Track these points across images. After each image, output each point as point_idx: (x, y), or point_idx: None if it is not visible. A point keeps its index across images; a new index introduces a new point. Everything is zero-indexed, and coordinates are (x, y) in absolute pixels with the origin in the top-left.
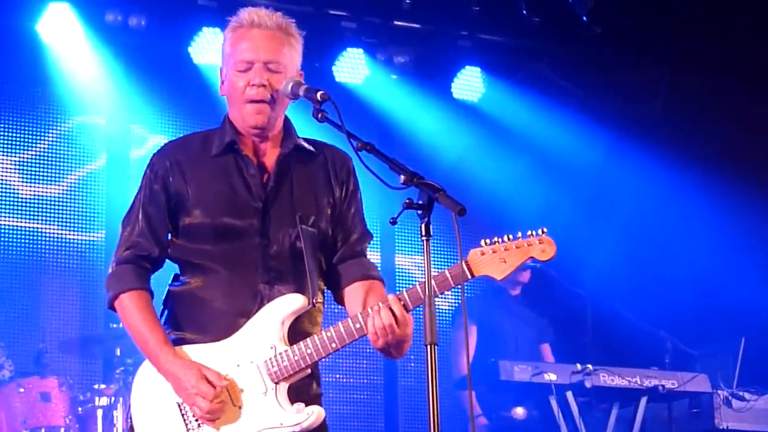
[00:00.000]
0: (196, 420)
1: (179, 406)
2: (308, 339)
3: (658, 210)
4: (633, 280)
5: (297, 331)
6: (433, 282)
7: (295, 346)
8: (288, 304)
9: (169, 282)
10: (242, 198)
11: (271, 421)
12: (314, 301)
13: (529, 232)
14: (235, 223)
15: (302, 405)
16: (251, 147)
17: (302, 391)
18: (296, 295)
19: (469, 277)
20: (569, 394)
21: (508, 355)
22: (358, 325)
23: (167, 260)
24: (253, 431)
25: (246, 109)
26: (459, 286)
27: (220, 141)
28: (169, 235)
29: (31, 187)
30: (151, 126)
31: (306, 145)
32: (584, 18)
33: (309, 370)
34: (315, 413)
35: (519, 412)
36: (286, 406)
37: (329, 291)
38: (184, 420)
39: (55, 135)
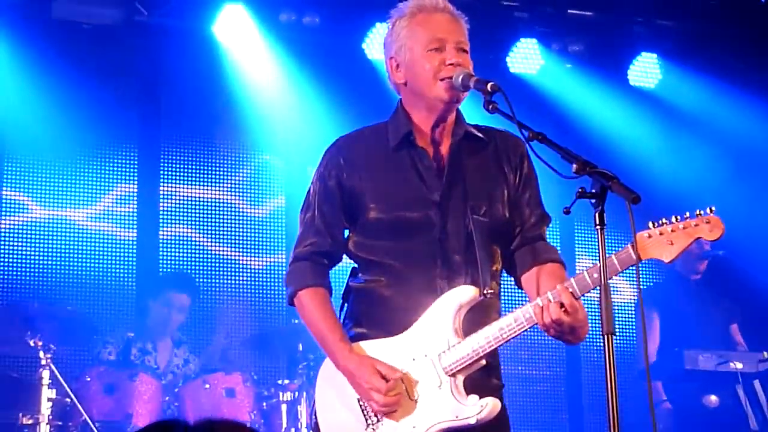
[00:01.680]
0: (375, 415)
1: (359, 401)
2: (480, 331)
3: None
4: None
5: (472, 322)
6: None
7: (468, 338)
8: (460, 295)
9: (348, 277)
10: (418, 191)
11: (447, 413)
12: (486, 291)
13: (697, 212)
14: (413, 217)
15: (476, 397)
16: (426, 137)
17: (481, 383)
18: (468, 286)
19: (636, 260)
20: (756, 383)
21: (694, 340)
22: (528, 315)
23: (345, 255)
24: (429, 424)
25: (439, 86)
26: (634, 273)
27: (395, 132)
28: (346, 231)
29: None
30: (327, 122)
31: (476, 132)
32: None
33: (483, 362)
34: (490, 405)
35: (713, 399)
36: (461, 399)
37: (511, 276)
38: (365, 415)
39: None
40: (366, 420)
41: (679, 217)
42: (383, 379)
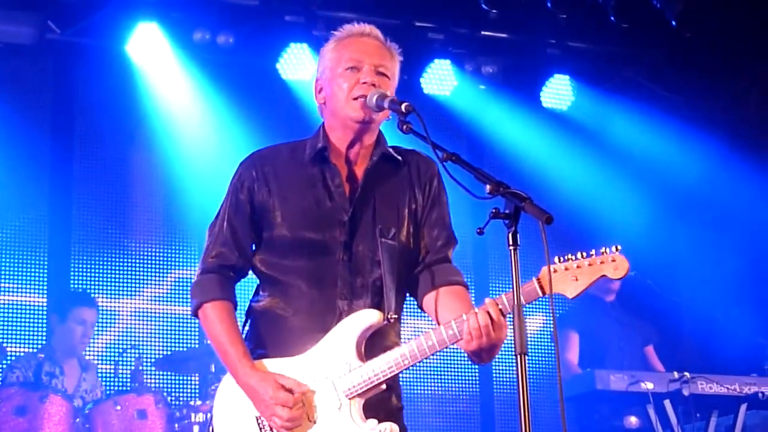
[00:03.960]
0: None
1: (257, 420)
2: (382, 355)
3: (753, 214)
4: (730, 286)
5: (374, 347)
6: (504, 298)
7: (369, 362)
8: (363, 319)
9: (252, 295)
10: (327, 210)
11: None
12: (389, 316)
13: (603, 250)
14: (317, 238)
15: (375, 422)
16: (341, 157)
17: (381, 405)
18: (372, 310)
19: (541, 294)
20: (667, 403)
21: (612, 361)
22: (431, 342)
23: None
24: None
25: (352, 104)
26: (547, 302)
27: (312, 148)
28: (254, 245)
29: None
30: (241, 142)
31: (393, 153)
32: (673, 22)
33: (384, 386)
34: (388, 430)
35: (633, 420)
36: (360, 423)
37: (413, 298)
38: None
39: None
40: None
41: (584, 254)
42: (289, 392)
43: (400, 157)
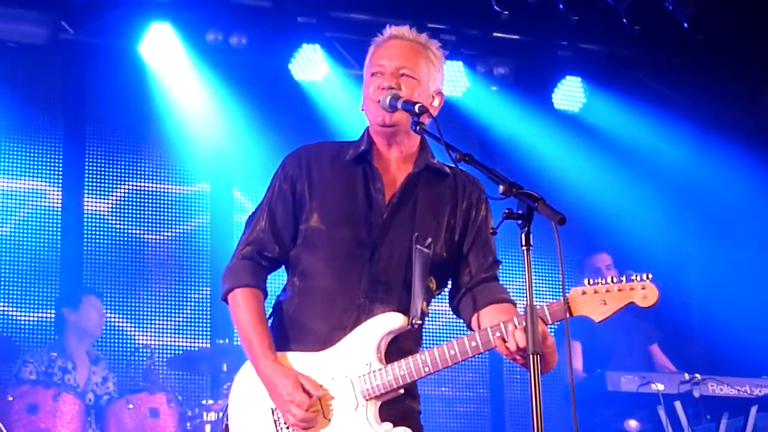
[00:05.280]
0: (288, 427)
1: (273, 411)
2: (403, 360)
3: (763, 214)
4: (742, 288)
5: (395, 351)
6: (546, 309)
7: (389, 366)
8: (387, 322)
9: (281, 290)
10: (362, 211)
11: None
12: (414, 322)
13: (633, 276)
14: (349, 236)
15: (390, 425)
16: (384, 161)
17: (397, 407)
18: (397, 314)
19: (568, 316)
20: (677, 404)
21: (619, 364)
22: (452, 353)
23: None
24: None
25: (372, 109)
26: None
27: (355, 150)
28: (291, 239)
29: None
30: (252, 142)
31: (439, 166)
32: (685, 25)
33: (402, 391)
34: None
35: (632, 424)
36: (375, 425)
37: (458, 316)
38: (276, 426)
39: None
40: (277, 431)
41: (614, 278)
42: (306, 394)
43: (448, 170)
